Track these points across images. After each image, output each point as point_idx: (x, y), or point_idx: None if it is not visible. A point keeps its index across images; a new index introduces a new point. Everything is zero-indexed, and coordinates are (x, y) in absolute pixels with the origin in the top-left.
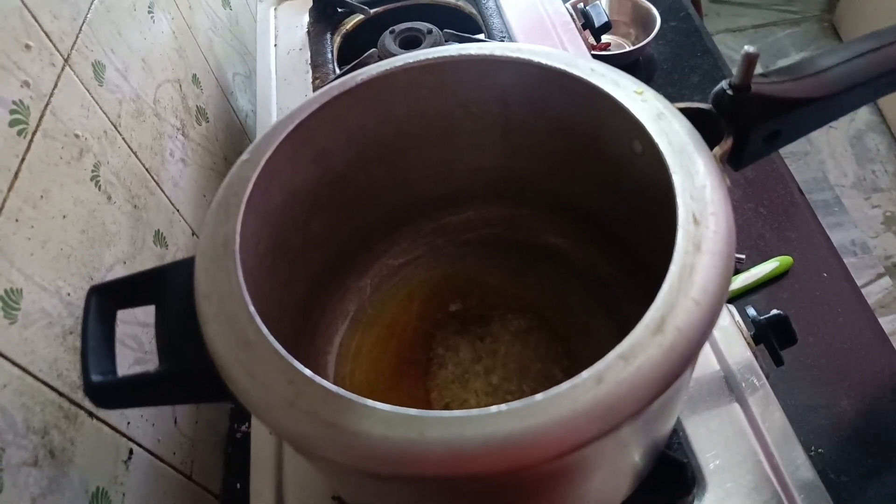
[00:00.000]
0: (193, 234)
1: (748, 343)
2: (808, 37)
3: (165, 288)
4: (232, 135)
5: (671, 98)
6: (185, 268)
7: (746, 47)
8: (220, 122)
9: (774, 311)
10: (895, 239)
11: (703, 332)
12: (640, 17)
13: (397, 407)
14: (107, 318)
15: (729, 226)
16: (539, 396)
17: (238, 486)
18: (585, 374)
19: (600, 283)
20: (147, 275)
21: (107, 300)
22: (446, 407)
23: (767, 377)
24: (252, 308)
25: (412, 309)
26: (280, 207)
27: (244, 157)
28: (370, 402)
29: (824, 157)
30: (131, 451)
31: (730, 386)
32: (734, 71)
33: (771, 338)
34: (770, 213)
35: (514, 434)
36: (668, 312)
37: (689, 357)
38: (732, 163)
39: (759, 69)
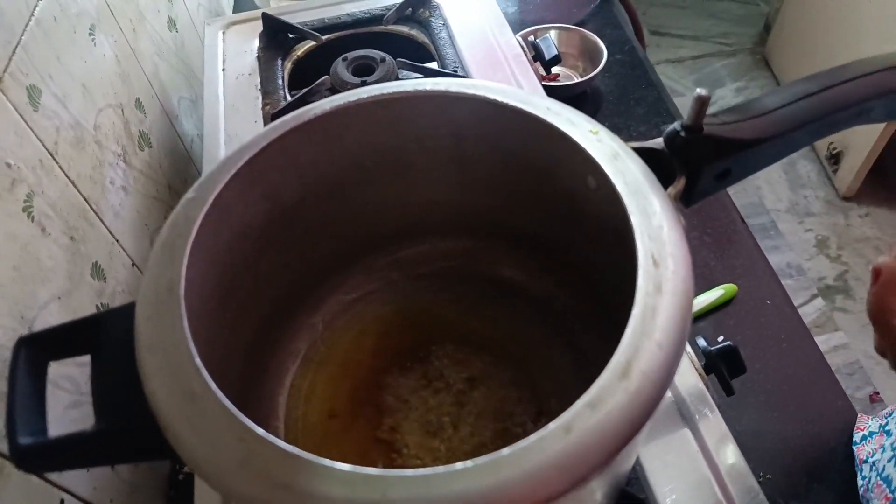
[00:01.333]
0: (134, 265)
1: (699, 374)
2: (743, 68)
3: (103, 337)
4: (176, 161)
5: (618, 128)
6: (124, 315)
7: (699, 90)
8: (164, 149)
9: (725, 343)
10: (827, 261)
11: (667, 374)
12: (587, 50)
13: (357, 466)
14: (37, 372)
15: (687, 265)
16: (507, 450)
17: None
18: (553, 424)
19: (558, 315)
20: (82, 323)
21: (38, 352)
22: (404, 449)
23: (718, 407)
24: (198, 360)
25: (366, 346)
26: (228, 246)
27: (190, 194)
28: (328, 462)
29: (760, 183)
30: (62, 502)
31: (683, 417)
32: (676, 102)
33: (722, 368)
34: (714, 242)
35: (481, 491)
36: (633, 356)
37: (655, 400)
38: (684, 200)
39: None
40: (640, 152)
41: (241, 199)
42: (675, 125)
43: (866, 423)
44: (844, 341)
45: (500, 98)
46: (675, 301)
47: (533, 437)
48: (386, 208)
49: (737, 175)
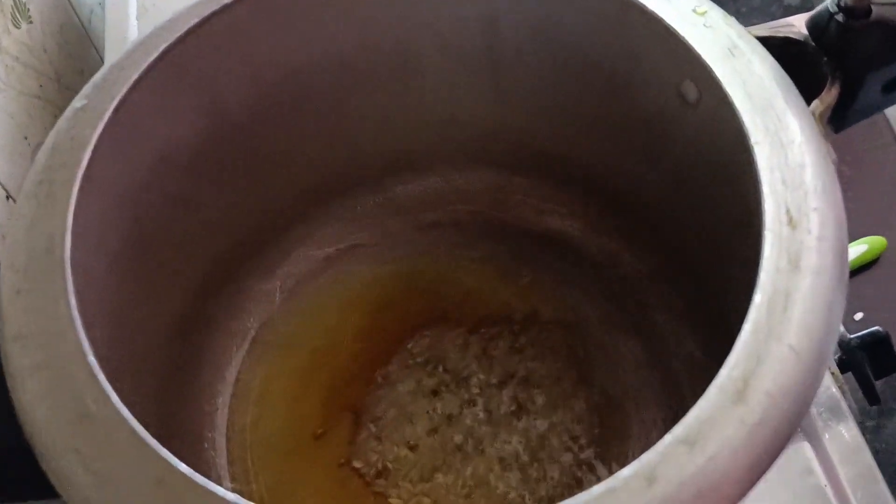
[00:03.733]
0: (9, 197)
1: (831, 371)
2: None
3: None
4: (68, 42)
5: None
6: None
7: None
8: (51, 24)
9: (871, 329)
10: None
11: (806, 396)
12: None
13: None
14: None
15: (840, 227)
16: None
17: None
18: (628, 470)
19: (622, 284)
20: None
21: None
22: (396, 485)
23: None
24: (92, 358)
25: (348, 325)
26: (144, 180)
27: (78, 102)
28: None
29: None
30: None
31: (802, 426)
32: None
33: (864, 365)
34: (856, 175)
35: None
36: (754, 369)
37: (787, 436)
38: (834, 121)
39: None
40: (770, 44)
41: (160, 108)
42: (828, 4)
43: None
44: None
45: None
46: (820, 284)
47: (599, 489)
48: (381, 127)
49: None
